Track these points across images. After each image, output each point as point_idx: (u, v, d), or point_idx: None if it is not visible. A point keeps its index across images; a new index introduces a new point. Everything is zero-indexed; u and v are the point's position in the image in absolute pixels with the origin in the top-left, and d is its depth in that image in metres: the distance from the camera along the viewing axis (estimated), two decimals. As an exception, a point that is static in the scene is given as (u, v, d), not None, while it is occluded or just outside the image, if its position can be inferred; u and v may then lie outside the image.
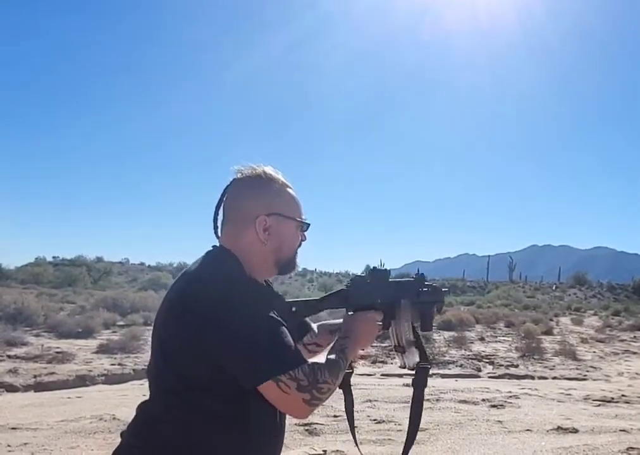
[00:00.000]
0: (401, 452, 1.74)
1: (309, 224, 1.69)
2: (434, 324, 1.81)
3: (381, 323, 1.69)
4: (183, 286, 1.54)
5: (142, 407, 1.59)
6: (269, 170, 1.65)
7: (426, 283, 1.76)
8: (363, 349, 1.71)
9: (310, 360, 1.47)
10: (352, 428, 1.85)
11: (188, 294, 1.50)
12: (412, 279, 1.76)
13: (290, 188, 1.67)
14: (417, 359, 1.69)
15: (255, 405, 1.49)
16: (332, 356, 1.51)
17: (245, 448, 1.52)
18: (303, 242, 1.70)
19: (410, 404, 1.73)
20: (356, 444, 1.90)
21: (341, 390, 1.73)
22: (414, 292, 1.73)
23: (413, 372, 1.70)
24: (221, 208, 1.66)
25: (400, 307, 1.69)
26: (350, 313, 1.68)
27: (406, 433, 1.73)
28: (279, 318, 1.51)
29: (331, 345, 1.59)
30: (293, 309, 1.63)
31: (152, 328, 1.64)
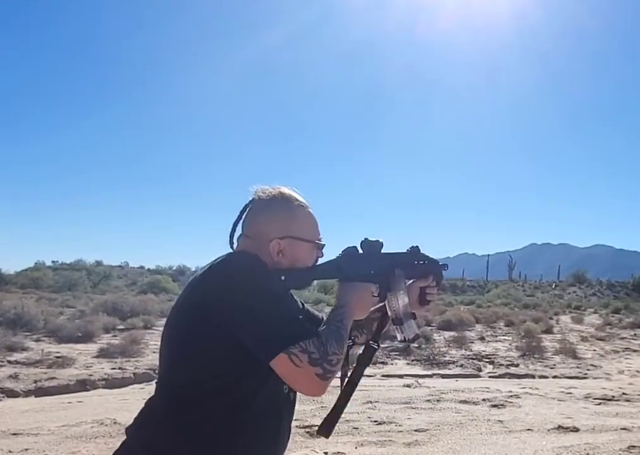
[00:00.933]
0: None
1: (324, 245, 1.72)
2: (432, 299, 1.80)
3: (377, 295, 1.69)
4: (194, 287, 1.57)
5: (148, 405, 1.62)
6: (286, 190, 1.70)
7: (422, 256, 1.75)
8: (359, 320, 1.71)
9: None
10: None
11: (198, 296, 1.53)
12: (406, 252, 1.75)
13: (307, 207, 1.70)
14: (417, 331, 1.68)
15: (256, 410, 1.52)
16: (334, 326, 1.52)
17: (244, 451, 1.54)
18: (320, 259, 1.72)
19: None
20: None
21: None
22: (409, 265, 1.72)
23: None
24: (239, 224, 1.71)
25: (394, 278, 1.67)
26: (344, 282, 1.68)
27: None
28: (288, 296, 1.55)
29: (329, 314, 1.60)
30: (282, 277, 1.60)
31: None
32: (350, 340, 1.73)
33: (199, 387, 1.50)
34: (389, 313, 1.69)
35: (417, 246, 1.76)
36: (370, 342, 1.69)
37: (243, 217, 1.71)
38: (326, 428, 1.61)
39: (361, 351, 1.70)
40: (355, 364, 1.67)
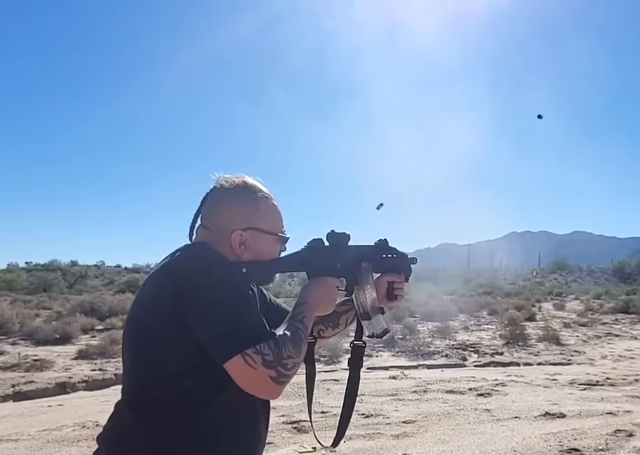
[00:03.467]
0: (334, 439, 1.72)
1: (288, 238, 1.65)
2: (400, 294, 1.74)
3: (344, 289, 1.63)
4: (153, 282, 1.50)
5: (115, 409, 1.55)
6: (250, 180, 1.63)
7: (390, 249, 1.69)
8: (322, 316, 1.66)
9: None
10: (309, 400, 1.79)
11: (156, 292, 1.46)
12: (374, 245, 1.69)
13: (271, 199, 1.63)
14: (385, 326, 1.63)
15: (226, 408, 1.45)
16: (293, 327, 1.44)
17: (214, 451, 1.46)
18: (282, 253, 1.66)
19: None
20: (310, 419, 1.84)
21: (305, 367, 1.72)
22: (377, 259, 1.67)
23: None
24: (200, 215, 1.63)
25: (361, 271, 1.62)
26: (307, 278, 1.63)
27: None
28: (250, 292, 1.49)
29: (292, 310, 1.53)
30: (243, 270, 1.52)
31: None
32: (312, 337, 1.67)
33: (161, 387, 1.42)
34: (356, 307, 1.65)
35: (385, 239, 1.70)
36: (355, 342, 1.65)
37: (204, 206, 1.62)
38: (337, 442, 1.68)
39: (350, 355, 1.66)
40: (349, 370, 1.64)
